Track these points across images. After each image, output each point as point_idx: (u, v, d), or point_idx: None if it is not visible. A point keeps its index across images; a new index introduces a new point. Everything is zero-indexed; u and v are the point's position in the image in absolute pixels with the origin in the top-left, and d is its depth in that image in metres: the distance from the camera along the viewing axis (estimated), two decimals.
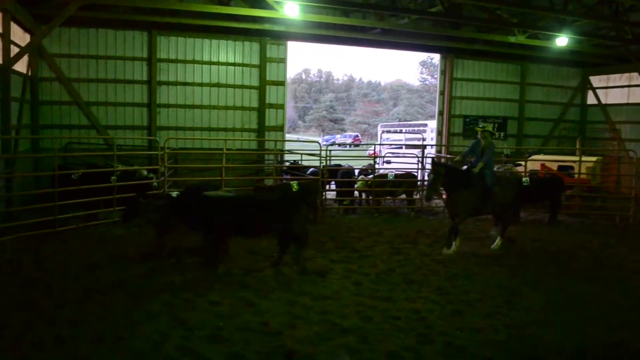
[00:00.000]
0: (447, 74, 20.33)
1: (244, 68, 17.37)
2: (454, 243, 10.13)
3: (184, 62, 16.70)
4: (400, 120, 56.52)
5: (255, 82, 17.48)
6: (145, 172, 12.62)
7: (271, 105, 17.69)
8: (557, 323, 6.62)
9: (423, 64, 71.73)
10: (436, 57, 20.63)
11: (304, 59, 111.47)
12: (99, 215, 11.79)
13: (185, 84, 16.76)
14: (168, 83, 16.59)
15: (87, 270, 8.21)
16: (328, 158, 15.74)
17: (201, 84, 16.94)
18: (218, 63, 17.08)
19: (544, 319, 6.74)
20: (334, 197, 15.70)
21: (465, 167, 10.71)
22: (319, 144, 15.47)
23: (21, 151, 13.70)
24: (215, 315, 6.51)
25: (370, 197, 15.22)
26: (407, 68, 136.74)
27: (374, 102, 78.40)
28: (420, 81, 76.36)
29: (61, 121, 15.67)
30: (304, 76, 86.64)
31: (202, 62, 16.91)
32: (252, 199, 9.29)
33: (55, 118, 15.62)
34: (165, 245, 8.99)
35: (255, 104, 17.51)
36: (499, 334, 6.23)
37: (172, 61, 16.59)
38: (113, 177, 11.55)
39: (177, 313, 6.54)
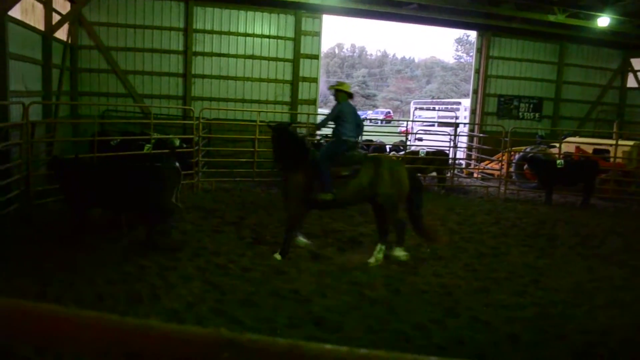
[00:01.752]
0: (483, 52, 20.02)
1: (279, 40, 17.39)
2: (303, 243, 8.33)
3: (220, 33, 16.81)
4: (433, 98, 55.88)
5: (289, 55, 17.51)
6: (177, 142, 12.84)
7: (305, 79, 17.73)
8: (583, 304, 6.63)
9: (459, 41, 70.52)
10: (472, 35, 20.31)
11: (338, 33, 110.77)
12: None
13: (220, 55, 16.89)
14: (203, 54, 16.75)
15: (124, 232, 8.49)
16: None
17: (236, 56, 17.05)
18: (253, 35, 17.14)
19: (571, 300, 6.75)
20: None
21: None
22: None
23: (61, 117, 14.07)
24: (246, 281, 6.72)
25: None
26: (442, 45, 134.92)
27: (407, 79, 77.65)
28: (455, 59, 75.25)
29: (99, 89, 16.00)
30: (337, 50, 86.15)
31: (237, 34, 17.00)
32: (118, 167, 8.52)
33: (94, 86, 15.95)
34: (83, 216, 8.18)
35: (289, 76, 17.57)
36: (525, 311, 6.28)
37: (208, 32, 16.72)
38: (148, 145, 11.79)
39: (211, 277, 6.77)
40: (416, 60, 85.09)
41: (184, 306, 5.86)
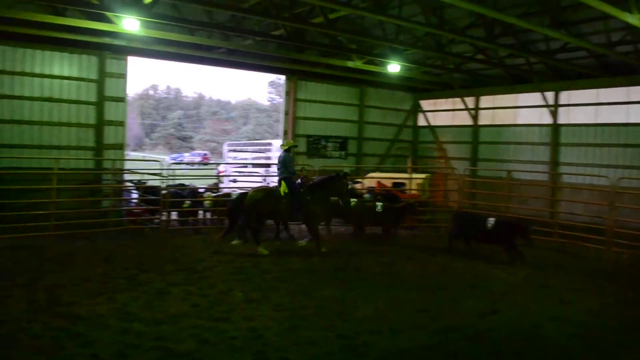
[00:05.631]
0: (292, 95, 20.95)
1: (81, 82, 16.33)
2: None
3: (12, 73, 15.29)
4: (249, 139, 56.87)
5: (93, 98, 16.53)
6: None
7: (110, 122, 16.85)
8: (385, 330, 7.08)
9: (272, 84, 73.04)
10: (283, 78, 21.24)
11: (152, 74, 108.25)
12: None
13: (13, 97, 15.32)
14: None
15: None
16: (171, 177, 15.36)
17: (31, 98, 15.57)
18: (52, 76, 15.86)
19: (374, 328, 7.16)
20: (177, 217, 15.33)
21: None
22: (160, 162, 15.08)
23: None
24: (36, 351, 6.02)
25: (215, 217, 15.10)
26: (257, 87, 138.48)
27: (223, 121, 78.09)
28: (269, 100, 77.65)
29: None
30: (151, 92, 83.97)
31: (33, 75, 15.56)
32: None
33: None
34: None
35: (92, 120, 16.55)
36: (332, 345, 6.51)
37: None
38: None
39: None
40: (232, 102, 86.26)
41: None
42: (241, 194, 13.19)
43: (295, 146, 13.02)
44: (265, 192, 12.35)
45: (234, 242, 12.45)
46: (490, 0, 14.29)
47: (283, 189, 12.11)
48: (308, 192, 12.30)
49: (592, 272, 11.07)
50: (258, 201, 11.98)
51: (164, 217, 14.29)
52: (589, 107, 18.91)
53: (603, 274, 10.83)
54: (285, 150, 12.50)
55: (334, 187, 12.49)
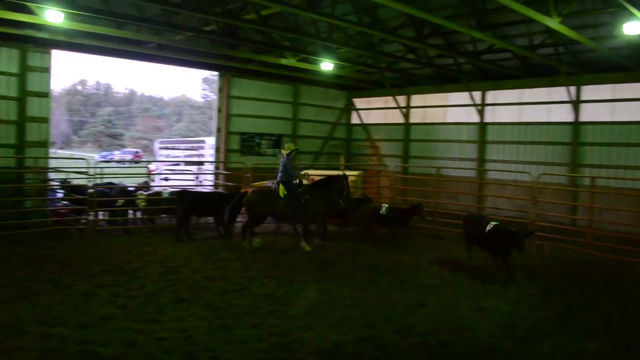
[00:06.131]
0: (225, 92, 20.72)
1: (1, 77, 15.54)
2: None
3: None
4: (182, 137, 55.79)
5: (13, 93, 15.73)
6: None
7: (33, 119, 16.08)
8: (316, 326, 7.14)
9: (205, 80, 72.01)
10: (217, 75, 20.97)
11: (80, 69, 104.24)
12: None
13: None
14: None
15: None
16: (99, 176, 14.86)
17: None
18: None
19: (306, 324, 7.21)
20: (106, 217, 14.83)
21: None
22: (87, 160, 14.55)
23: None
24: None
25: (146, 216, 14.72)
26: (191, 84, 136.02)
27: (155, 118, 76.30)
28: (203, 97, 76.51)
29: None
30: (80, 87, 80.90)
31: None
32: None
33: None
34: None
35: (13, 116, 15.75)
36: (263, 343, 6.50)
37: None
38: None
39: None
40: (165, 99, 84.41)
41: None
42: (241, 193, 13.45)
43: (297, 149, 13.14)
44: (263, 193, 12.69)
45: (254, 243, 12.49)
46: (419, 1, 14.67)
47: (282, 191, 12.36)
48: (307, 191, 12.56)
49: (516, 264, 11.51)
50: (256, 202, 12.37)
51: (91, 217, 13.80)
52: (513, 106, 19.74)
53: (526, 266, 11.31)
54: (287, 155, 12.60)
55: (333, 187, 12.89)
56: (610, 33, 14.81)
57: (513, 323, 7.56)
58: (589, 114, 17.87)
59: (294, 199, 12.29)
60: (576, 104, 18.01)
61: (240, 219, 13.79)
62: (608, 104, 17.42)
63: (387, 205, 14.01)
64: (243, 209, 13.21)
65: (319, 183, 12.96)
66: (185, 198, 13.50)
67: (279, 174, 12.48)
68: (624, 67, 16.25)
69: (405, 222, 13.94)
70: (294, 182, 12.45)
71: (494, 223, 10.67)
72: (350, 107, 24.97)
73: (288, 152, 12.68)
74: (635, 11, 11.07)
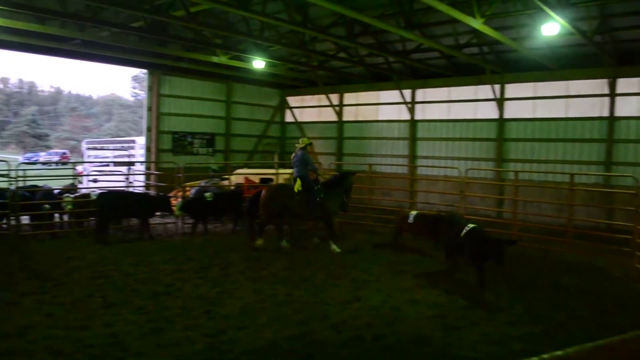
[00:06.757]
0: (155, 90, 20.27)
1: None
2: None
3: None
4: (112, 137, 54.07)
5: None
6: None
7: None
8: (250, 325, 7.10)
9: (135, 78, 70.08)
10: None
11: (1, 67, 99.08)
12: None
13: None
14: None
15: None
16: (22, 179, 14.14)
17: None
18: None
19: (239, 324, 7.16)
20: (30, 222, 14.15)
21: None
22: (8, 162, 13.84)
23: None
24: None
25: (73, 219, 14.15)
26: (121, 82, 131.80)
27: (83, 117, 73.57)
28: (133, 96, 74.47)
29: None
30: (1, 86, 76.92)
31: None
32: None
33: None
34: None
35: None
36: (196, 345, 6.40)
37: None
38: None
39: None
40: (94, 97, 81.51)
41: None
42: (257, 192, 13.30)
43: (310, 143, 12.91)
44: (278, 190, 12.58)
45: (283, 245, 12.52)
46: (350, 0, 14.84)
47: (297, 186, 12.15)
48: (323, 189, 12.37)
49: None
50: (272, 199, 12.18)
51: (12, 222, 13.13)
52: (442, 104, 20.34)
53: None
54: (302, 149, 12.45)
55: (346, 185, 12.75)
56: (530, 34, 15.51)
57: (444, 314, 7.79)
58: (512, 111, 18.67)
59: (310, 196, 12.12)
60: (500, 101, 18.77)
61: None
62: (530, 101, 18.26)
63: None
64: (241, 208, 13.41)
65: (334, 181, 12.72)
66: (105, 200, 13.07)
67: (295, 170, 12.37)
68: (544, 67, 17.07)
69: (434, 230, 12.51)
70: (310, 179, 12.37)
71: (471, 225, 9.45)
72: (283, 106, 25.01)
73: (303, 146, 12.52)
74: (552, 13, 11.62)
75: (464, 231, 9.27)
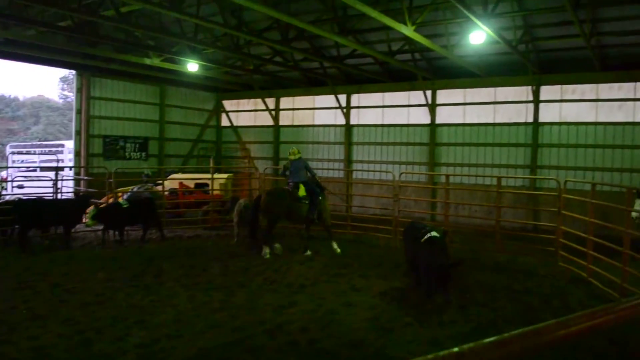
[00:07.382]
0: (84, 92, 19.62)
1: None
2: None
3: None
4: (40, 140, 51.78)
5: None
6: None
7: None
8: (184, 333, 6.99)
9: (64, 79, 67.32)
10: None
11: None
12: None
13: None
14: None
15: None
16: None
17: None
18: None
19: (173, 332, 7.03)
20: None
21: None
22: None
23: None
24: None
25: None
26: (50, 83, 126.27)
27: (8, 120, 70.05)
28: (61, 98, 71.50)
29: None
30: None
31: None
32: None
33: None
34: None
35: None
36: (128, 356, 6.25)
37: None
38: None
39: None
40: (20, 99, 77.60)
41: None
42: (257, 197, 13.26)
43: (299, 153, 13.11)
44: (280, 194, 12.56)
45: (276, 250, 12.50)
46: (284, 5, 14.89)
47: (302, 192, 12.37)
48: (321, 193, 12.87)
49: (380, 259, 12.06)
50: (273, 204, 12.24)
51: None
52: (376, 109, 20.72)
53: (390, 261, 11.85)
54: (299, 159, 12.75)
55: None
56: (459, 42, 16.04)
57: (378, 316, 7.93)
58: (443, 116, 19.26)
59: (313, 200, 12.45)
60: (432, 107, 19.32)
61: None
62: (460, 107, 18.90)
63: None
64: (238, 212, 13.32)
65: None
66: (21, 209, 12.49)
67: (294, 176, 12.58)
68: (473, 74, 17.71)
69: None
70: (313, 185, 12.70)
71: (432, 233, 8.54)
72: (219, 109, 24.75)
73: (299, 156, 12.85)
74: (478, 22, 12.07)
75: (424, 238, 8.49)
